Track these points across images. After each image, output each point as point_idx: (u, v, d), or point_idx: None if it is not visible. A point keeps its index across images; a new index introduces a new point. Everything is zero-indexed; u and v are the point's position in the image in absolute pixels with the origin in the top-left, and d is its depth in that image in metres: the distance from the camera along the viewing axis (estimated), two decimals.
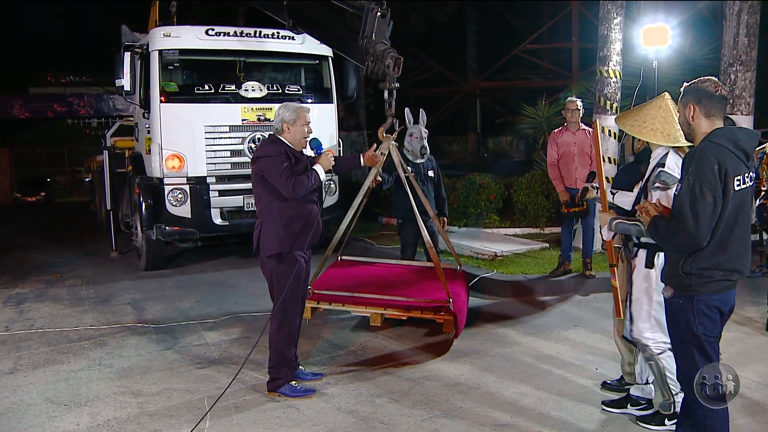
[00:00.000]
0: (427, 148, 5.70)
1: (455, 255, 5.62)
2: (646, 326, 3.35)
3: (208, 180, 7.35)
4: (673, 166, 3.13)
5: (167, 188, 7.21)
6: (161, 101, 7.17)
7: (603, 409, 3.69)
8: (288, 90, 7.79)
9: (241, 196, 7.44)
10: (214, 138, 7.33)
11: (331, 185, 8.07)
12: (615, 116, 3.50)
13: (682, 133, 2.90)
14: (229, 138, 7.39)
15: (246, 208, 7.47)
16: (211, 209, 7.36)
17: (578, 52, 19.15)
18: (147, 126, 7.48)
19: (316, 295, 4.86)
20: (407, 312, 4.66)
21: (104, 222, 10.07)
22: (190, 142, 7.24)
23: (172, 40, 7.22)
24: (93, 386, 4.21)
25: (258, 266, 4.03)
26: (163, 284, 7.13)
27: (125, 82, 7.18)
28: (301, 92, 7.87)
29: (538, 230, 8.64)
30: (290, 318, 3.87)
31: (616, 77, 7.59)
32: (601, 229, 3.38)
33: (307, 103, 7.81)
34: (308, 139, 3.94)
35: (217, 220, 7.40)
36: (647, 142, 3.34)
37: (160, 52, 7.19)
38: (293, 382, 4.00)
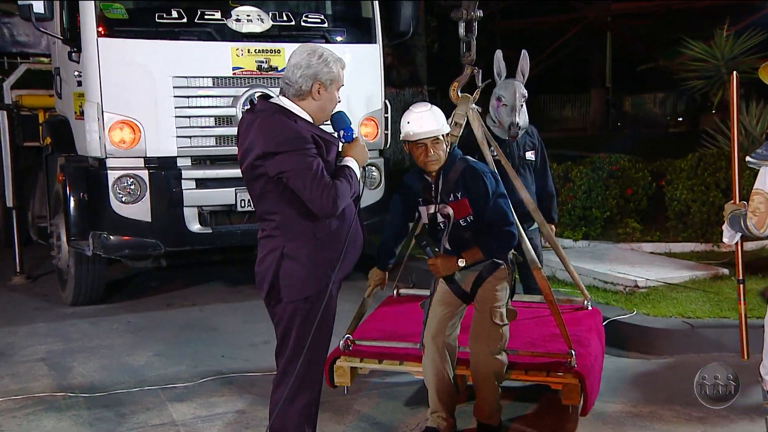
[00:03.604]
0: (523, 121, 5.71)
1: (579, 283, 5.65)
2: None
3: (180, 163, 7.36)
4: None
5: (112, 175, 7.18)
6: (100, 34, 7.15)
7: None
8: (305, 21, 7.76)
9: (232, 189, 7.45)
10: (188, 96, 7.33)
11: (373, 173, 8.14)
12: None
13: None
14: (212, 97, 7.40)
15: (240, 207, 7.49)
16: (184, 209, 7.36)
17: None
18: (77, 74, 7.47)
19: (359, 348, 4.92)
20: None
21: (1, 228, 10.15)
22: (150, 102, 7.22)
23: None
24: None
25: (259, 299, 3.99)
26: (103, 328, 7.09)
27: None
28: (326, 25, 7.85)
29: (708, 246, 8.50)
30: (313, 382, 3.95)
31: None
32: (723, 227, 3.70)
33: (336, 42, 7.79)
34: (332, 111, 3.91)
35: (194, 226, 7.40)
36: None
37: None
38: None
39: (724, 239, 3.74)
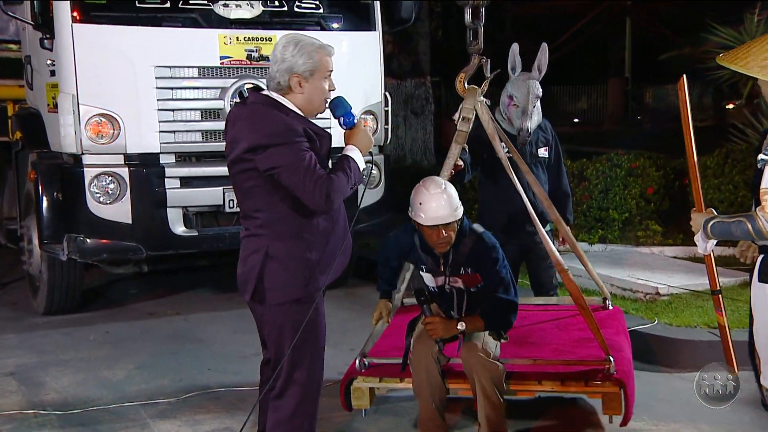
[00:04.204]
0: (536, 119, 5.79)
1: (598, 281, 5.77)
2: None
3: (163, 160, 7.38)
4: None
5: (89, 173, 7.19)
6: (75, 19, 7.14)
7: None
8: (299, 6, 7.80)
9: (220, 188, 7.46)
10: (171, 88, 7.35)
11: (373, 172, 8.14)
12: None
13: None
14: (198, 89, 7.42)
15: (228, 208, 7.51)
16: (168, 210, 7.36)
17: None
18: (50, 63, 7.48)
19: (376, 367, 4.90)
20: (537, 384, 4.78)
21: None
22: (130, 94, 7.23)
23: None
24: None
25: (247, 307, 4.06)
26: (79, 339, 7.11)
27: None
28: (321, 11, 7.89)
29: (736, 250, 8.45)
30: (312, 398, 4.02)
31: None
32: (694, 238, 3.78)
33: (332, 29, 7.82)
34: (329, 99, 3.94)
35: (178, 229, 7.42)
36: None
37: None
38: None
39: (699, 250, 3.80)
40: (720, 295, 3.97)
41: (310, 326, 3.86)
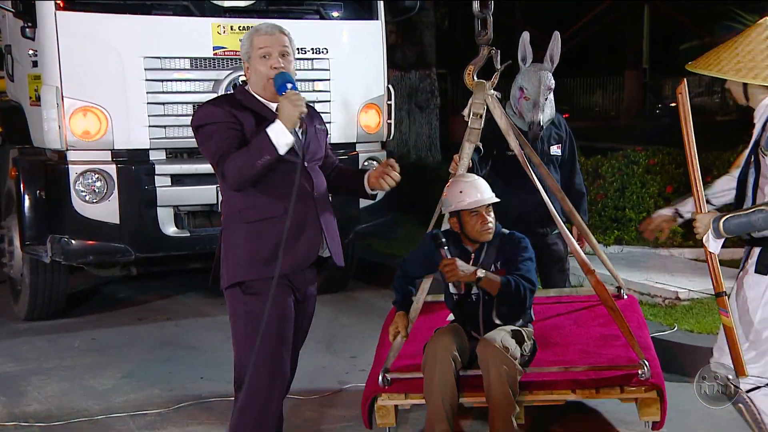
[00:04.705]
0: (549, 113, 5.80)
1: (612, 269, 5.79)
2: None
3: (153, 156, 7.40)
4: None
5: (74, 170, 7.19)
6: (59, 7, 7.15)
7: None
8: None
9: (213, 186, 7.47)
10: (162, 80, 7.37)
11: (374, 166, 8.08)
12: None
13: None
14: (190, 81, 7.44)
15: (221, 207, 7.42)
16: (158, 209, 7.38)
17: None
18: (32, 53, 7.49)
19: (398, 383, 4.86)
20: (571, 393, 4.81)
21: None
22: (118, 86, 7.24)
23: None
24: None
25: None
26: (63, 346, 7.11)
27: None
28: None
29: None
30: (258, 394, 4.04)
31: None
32: (703, 240, 4.02)
33: (332, 18, 7.83)
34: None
35: (169, 229, 7.44)
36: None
37: None
38: None
39: (712, 249, 4.03)
40: (726, 296, 4.10)
41: (255, 317, 3.92)
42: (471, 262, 4.71)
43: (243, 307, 3.99)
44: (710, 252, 4.05)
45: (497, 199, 4.72)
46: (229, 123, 3.96)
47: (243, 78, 7.09)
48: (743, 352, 4.06)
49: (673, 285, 7.40)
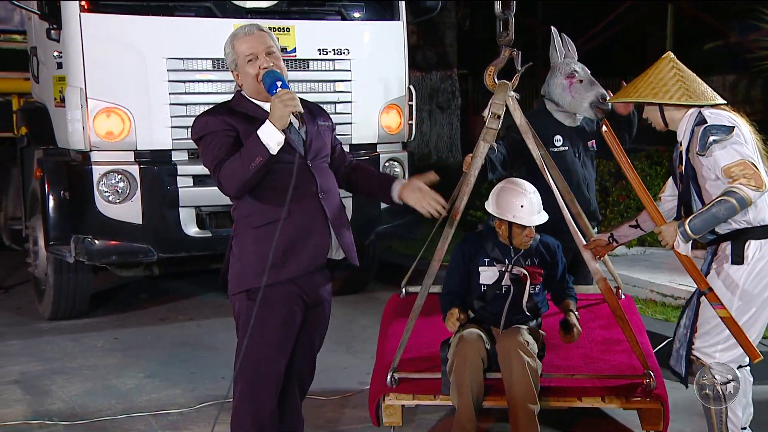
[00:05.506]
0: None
1: (612, 270, 5.74)
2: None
3: (175, 157, 7.39)
4: (714, 115, 4.31)
5: (98, 170, 7.19)
6: (83, 9, 7.16)
7: None
8: None
9: None
10: (184, 81, 7.36)
11: (396, 169, 8.14)
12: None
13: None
14: (212, 82, 7.43)
15: None
16: (180, 209, 7.38)
17: None
18: (56, 55, 7.50)
19: (406, 383, 4.86)
20: (577, 401, 4.81)
21: None
22: (141, 87, 7.24)
23: None
24: None
25: None
26: (87, 345, 7.12)
27: None
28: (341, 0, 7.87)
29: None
30: (256, 395, 4.07)
31: None
32: (674, 246, 4.26)
33: (353, 19, 7.80)
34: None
35: (191, 230, 7.42)
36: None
37: None
38: None
39: (683, 252, 4.28)
40: (713, 292, 4.26)
41: (258, 322, 3.90)
42: (510, 253, 4.85)
43: (247, 312, 3.96)
44: (684, 255, 4.26)
45: (547, 218, 4.81)
46: (224, 131, 3.95)
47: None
48: (721, 341, 4.37)
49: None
